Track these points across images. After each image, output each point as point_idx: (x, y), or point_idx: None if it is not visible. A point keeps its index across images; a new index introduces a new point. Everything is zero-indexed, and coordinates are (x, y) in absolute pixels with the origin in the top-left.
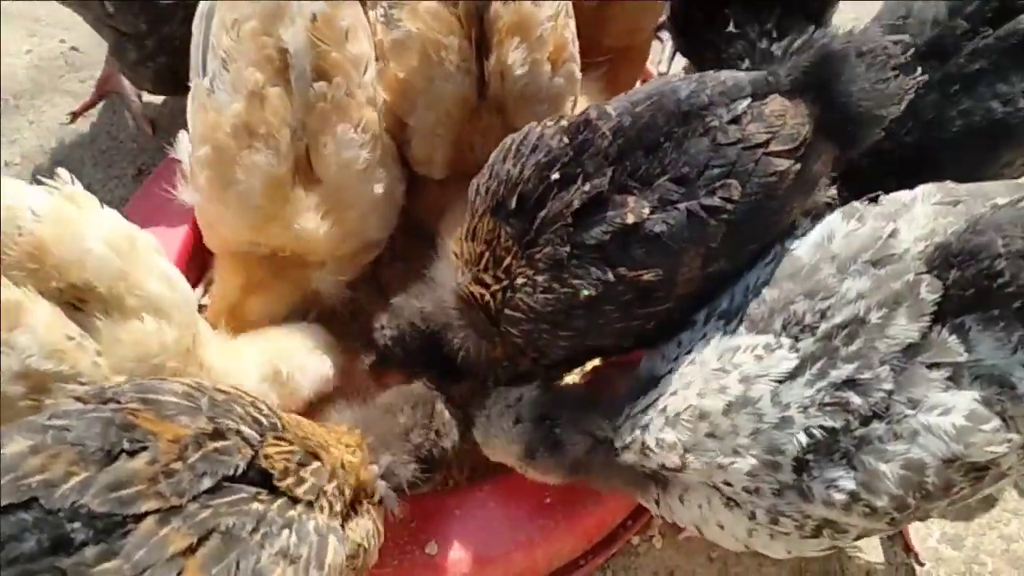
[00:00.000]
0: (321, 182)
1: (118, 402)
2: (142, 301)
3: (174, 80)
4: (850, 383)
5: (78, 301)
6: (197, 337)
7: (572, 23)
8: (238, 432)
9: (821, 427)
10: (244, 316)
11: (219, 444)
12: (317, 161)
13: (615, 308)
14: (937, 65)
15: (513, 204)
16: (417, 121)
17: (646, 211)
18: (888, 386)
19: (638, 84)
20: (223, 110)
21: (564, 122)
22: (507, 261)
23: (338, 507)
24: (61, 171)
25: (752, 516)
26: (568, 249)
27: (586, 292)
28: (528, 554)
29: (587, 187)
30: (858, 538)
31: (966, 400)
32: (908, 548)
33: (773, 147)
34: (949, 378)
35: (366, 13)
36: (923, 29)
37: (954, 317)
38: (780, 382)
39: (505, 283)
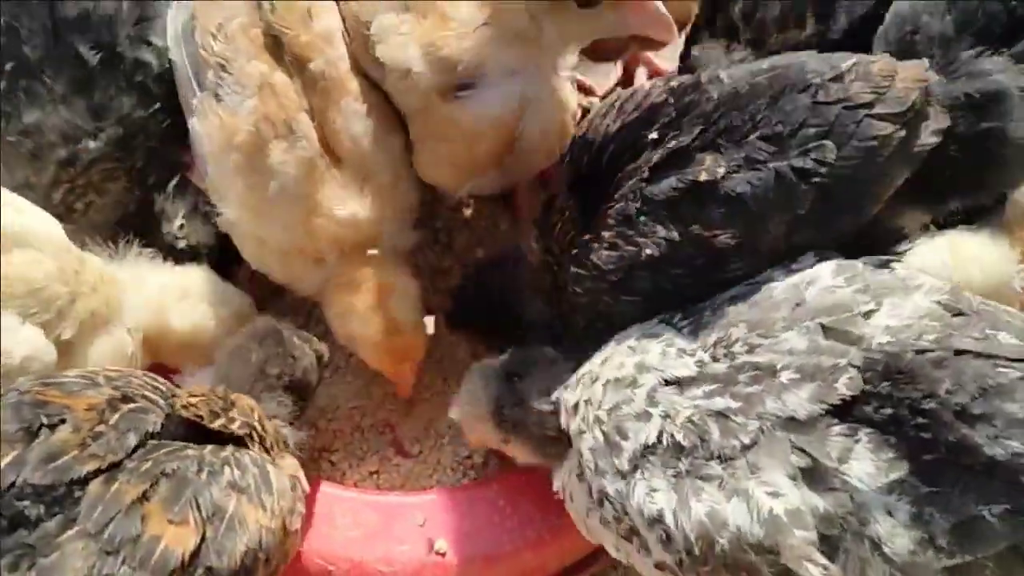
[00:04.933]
0: (342, 160)
1: (19, 390)
2: None
3: None
4: (722, 417)
5: None
6: (85, 262)
7: None
8: (144, 396)
9: (673, 437)
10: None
11: (132, 405)
12: (331, 139)
13: (684, 273)
14: None
15: (604, 163)
16: None
17: (721, 170)
18: (747, 441)
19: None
20: (237, 111)
21: (674, 82)
22: (571, 235)
23: (268, 442)
24: None
25: (589, 493)
26: (638, 205)
27: (648, 252)
28: (538, 552)
29: (672, 143)
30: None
31: (804, 502)
32: None
33: (878, 109)
34: (805, 471)
35: None
36: (931, 45)
37: (856, 423)
38: (666, 384)
39: (570, 253)
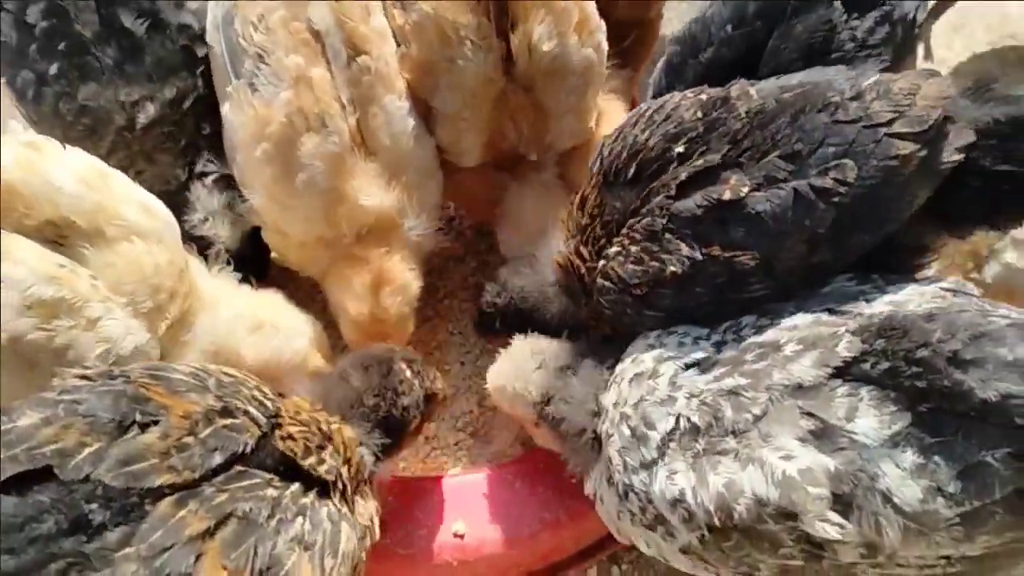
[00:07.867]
0: (376, 153)
1: (128, 378)
2: (123, 230)
3: None
4: (733, 394)
5: (59, 238)
6: (189, 264)
7: None
8: (246, 412)
9: (689, 419)
10: (387, 307)
11: (228, 421)
12: (369, 134)
13: (705, 291)
14: None
15: (631, 173)
16: (441, 103)
17: (745, 189)
18: (757, 412)
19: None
20: (272, 102)
21: (704, 96)
22: (603, 241)
23: (350, 490)
24: (13, 123)
25: (618, 492)
26: (664, 221)
27: (672, 269)
28: (555, 534)
29: (700, 162)
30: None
31: (814, 461)
32: None
33: (897, 128)
34: (814, 432)
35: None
36: None
37: (856, 382)
38: (687, 368)
39: (598, 263)
